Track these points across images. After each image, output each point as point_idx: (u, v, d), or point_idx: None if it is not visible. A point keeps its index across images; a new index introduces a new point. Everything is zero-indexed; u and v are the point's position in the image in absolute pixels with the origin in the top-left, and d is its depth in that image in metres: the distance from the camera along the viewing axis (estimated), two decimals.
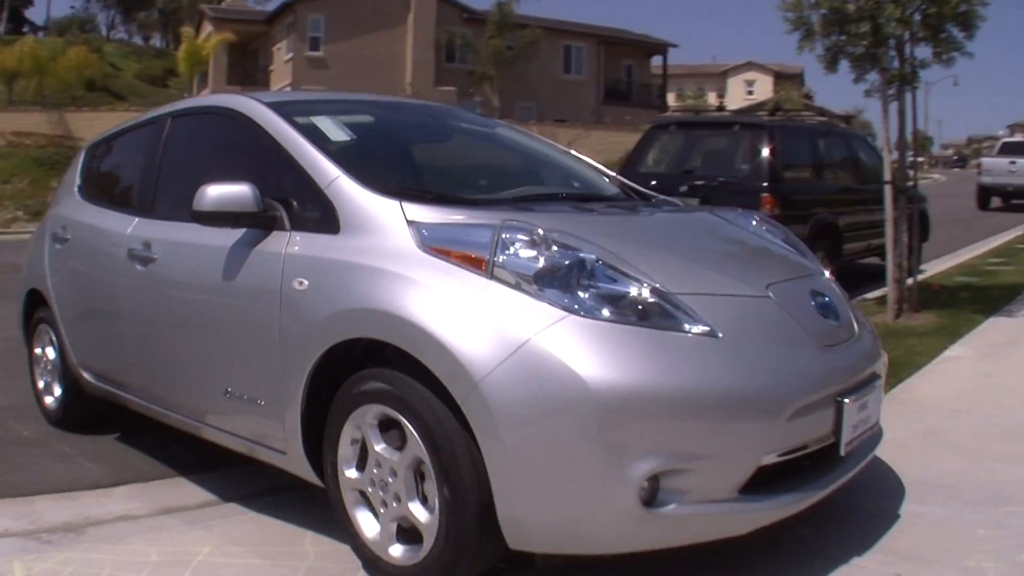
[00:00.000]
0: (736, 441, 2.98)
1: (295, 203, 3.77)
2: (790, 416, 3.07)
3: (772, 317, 3.36)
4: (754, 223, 4.40)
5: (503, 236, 3.15)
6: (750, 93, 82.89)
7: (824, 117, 12.44)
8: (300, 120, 4.16)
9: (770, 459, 3.07)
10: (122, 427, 5.64)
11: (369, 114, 5.08)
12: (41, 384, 6.00)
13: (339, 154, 3.92)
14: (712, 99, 71.81)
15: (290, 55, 47.20)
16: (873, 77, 8.77)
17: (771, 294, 3.42)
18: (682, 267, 3.43)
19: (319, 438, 3.51)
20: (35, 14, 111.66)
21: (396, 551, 3.25)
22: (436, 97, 43.44)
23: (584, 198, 4.45)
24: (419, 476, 3.17)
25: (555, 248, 3.15)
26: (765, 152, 9.97)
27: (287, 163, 3.90)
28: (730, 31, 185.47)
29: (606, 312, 3.00)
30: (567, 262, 3.11)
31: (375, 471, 3.29)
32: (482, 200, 3.97)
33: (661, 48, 57.38)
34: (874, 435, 3.77)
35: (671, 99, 64.09)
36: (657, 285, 3.13)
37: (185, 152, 4.93)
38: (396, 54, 47.16)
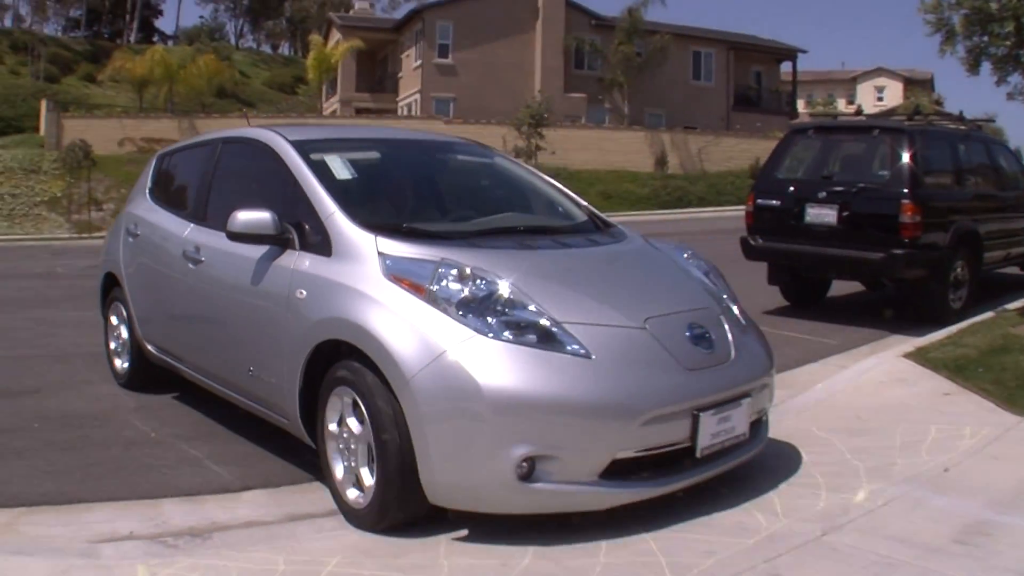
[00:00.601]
0: (594, 438, 4.03)
1: (305, 227, 4.99)
2: (644, 423, 4.08)
3: (642, 344, 4.32)
4: (685, 256, 5.50)
5: (439, 271, 4.34)
6: (880, 99, 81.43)
7: (963, 121, 12.23)
8: (314, 157, 5.38)
9: (626, 454, 4.10)
10: (176, 388, 6.98)
11: (377, 151, 6.25)
12: (113, 346, 7.58)
13: (339, 191, 5.11)
14: (842, 105, 70.75)
15: (419, 62, 47.99)
16: (1016, 79, 8.60)
17: (647, 326, 4.40)
18: (578, 301, 4.44)
19: (312, 409, 4.72)
20: (165, 24, 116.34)
21: (352, 494, 4.44)
22: (565, 104, 43.96)
23: (539, 230, 5.53)
24: (370, 449, 4.30)
25: (478, 282, 4.30)
26: (905, 157, 9.88)
27: (300, 194, 5.14)
28: (859, 36, 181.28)
29: (507, 334, 4.12)
30: (483, 295, 4.26)
31: (345, 436, 4.49)
32: (443, 233, 5.06)
33: (790, 54, 56.97)
34: (740, 444, 4.62)
35: (800, 106, 63.48)
36: (552, 316, 4.23)
37: (229, 172, 6.28)
38: (525, 61, 47.65)
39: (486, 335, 4.10)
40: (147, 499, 4.80)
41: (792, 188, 10.67)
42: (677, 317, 4.59)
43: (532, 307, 4.26)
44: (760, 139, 42.30)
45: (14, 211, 31.49)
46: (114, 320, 7.53)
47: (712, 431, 4.36)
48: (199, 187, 6.50)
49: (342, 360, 4.47)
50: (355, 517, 4.38)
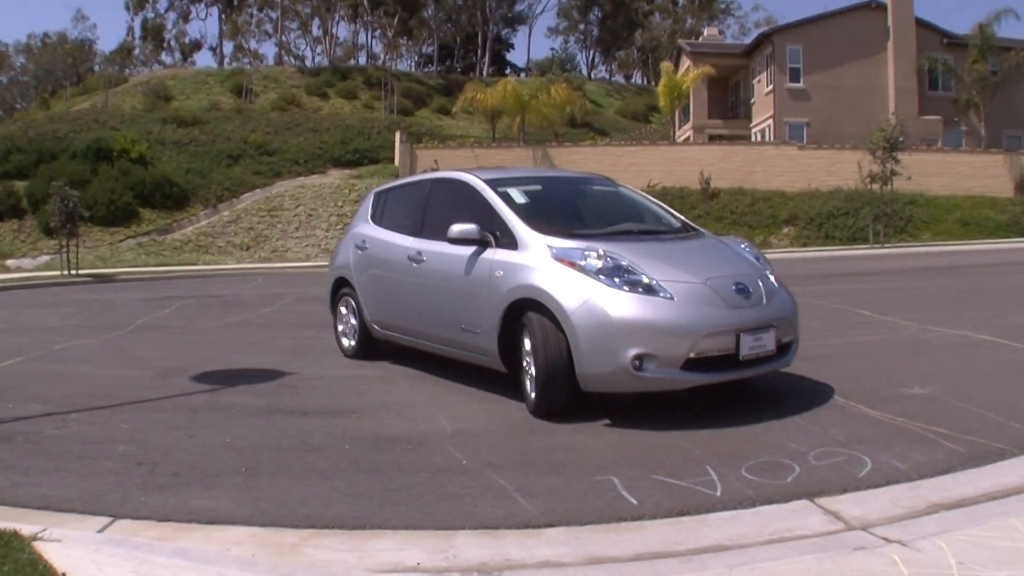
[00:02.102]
0: (675, 343, 6.62)
1: (497, 234, 7.83)
2: (704, 336, 6.68)
3: (703, 292, 6.91)
4: (742, 246, 8.17)
5: (585, 253, 7.07)
6: None
7: None
8: (500, 189, 8.35)
9: (693, 355, 6.65)
10: (388, 357, 10.13)
11: (540, 184, 9.22)
12: (341, 329, 10.74)
13: (520, 209, 8.01)
14: None
15: (770, 87, 47.51)
16: None
17: (707, 282, 7.00)
18: (666, 269, 7.05)
19: (506, 347, 7.57)
20: (516, 57, 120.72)
21: (530, 395, 7.19)
22: (920, 127, 42.07)
23: (647, 232, 8.40)
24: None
25: (607, 259, 6.98)
26: None
27: (493, 213, 8.03)
28: None
29: (625, 287, 6.81)
30: (611, 266, 6.94)
31: (527, 362, 7.23)
32: (585, 234, 7.75)
33: None
34: (770, 356, 7.11)
35: None
36: (651, 276, 6.89)
37: (438, 201, 9.28)
38: (877, 83, 46.40)
39: (613, 288, 6.85)
40: (442, 529, 4.62)
41: None
42: (726, 278, 7.18)
43: (639, 271, 6.96)
44: None
45: None
46: (343, 311, 10.64)
47: (749, 346, 6.92)
48: (415, 212, 9.52)
49: (525, 315, 7.29)
50: (530, 407, 7.22)
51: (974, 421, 6.35)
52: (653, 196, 33.87)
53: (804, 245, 35.38)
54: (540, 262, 7.27)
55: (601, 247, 7.13)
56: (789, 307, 7.49)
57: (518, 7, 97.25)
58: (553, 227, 7.70)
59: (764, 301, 7.17)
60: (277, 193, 44.73)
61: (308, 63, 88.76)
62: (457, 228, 7.89)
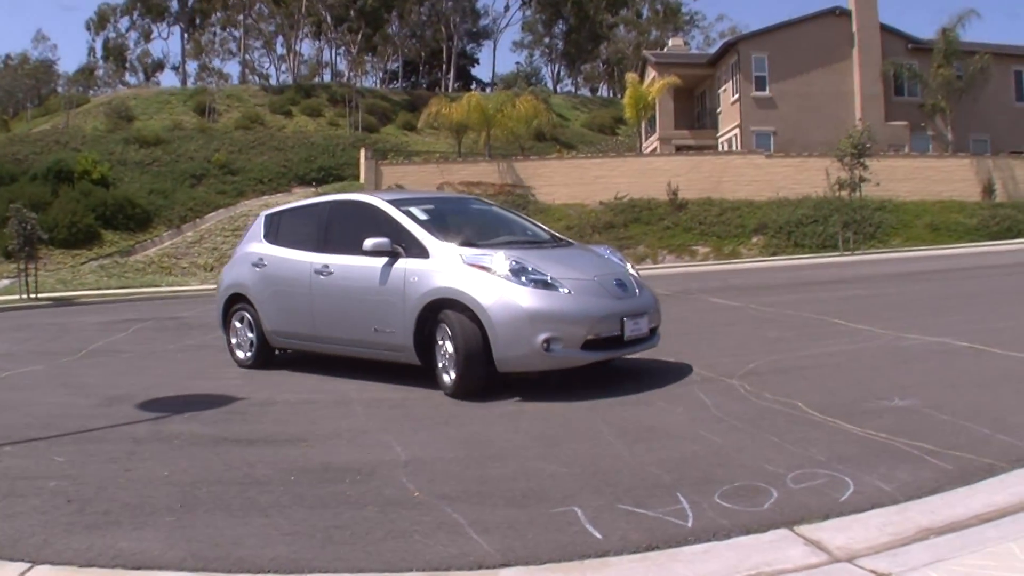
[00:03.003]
0: (576, 328, 8.19)
1: (407, 246, 9.10)
2: (597, 321, 8.30)
3: (593, 287, 8.56)
4: (607, 252, 9.97)
5: (494, 258, 8.46)
6: None
7: None
8: (403, 208, 9.72)
9: (591, 337, 8.27)
10: (279, 366, 11.05)
11: (432, 204, 10.53)
12: (236, 349, 11.41)
13: (424, 224, 9.34)
14: None
15: (736, 96, 47.43)
16: None
17: (595, 278, 8.67)
18: (560, 269, 8.60)
19: (421, 345, 8.87)
20: (481, 72, 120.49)
21: (447, 379, 8.52)
22: (887, 133, 42.27)
23: (529, 242, 9.83)
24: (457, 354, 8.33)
25: (513, 263, 8.39)
26: None
27: (402, 228, 9.32)
28: None
29: (532, 285, 8.27)
30: (517, 267, 8.35)
31: (444, 352, 8.57)
32: (483, 244, 9.15)
33: None
34: (646, 336, 8.91)
35: None
36: (550, 275, 8.39)
37: (341, 220, 10.33)
38: (843, 89, 46.48)
39: (522, 285, 8.30)
40: (388, 572, 4.20)
41: None
42: (608, 275, 8.93)
43: (541, 272, 8.45)
44: None
45: None
46: (238, 325, 11.34)
47: (631, 329, 8.62)
48: (316, 231, 10.55)
49: (441, 312, 8.63)
50: (449, 390, 8.54)
51: (960, 435, 5.98)
52: (621, 208, 33.74)
53: (774, 254, 35.15)
54: (453, 268, 8.67)
55: (505, 253, 8.67)
56: (654, 300, 9.33)
57: (482, 22, 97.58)
58: (455, 239, 9.16)
59: (637, 293, 9.06)
60: (241, 212, 44.29)
61: (273, 81, 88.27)
62: (371, 242, 9.14)
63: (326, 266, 9.91)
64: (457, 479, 5.63)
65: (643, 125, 52.66)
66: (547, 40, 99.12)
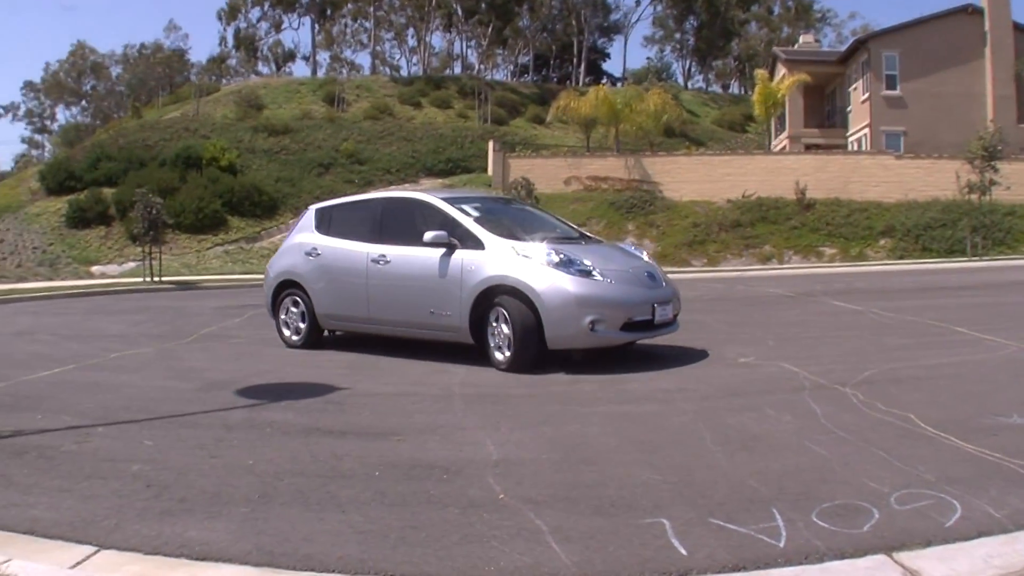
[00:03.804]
0: (617, 312, 9.60)
1: (462, 239, 10.34)
2: (633, 307, 9.73)
3: (630, 277, 10.00)
4: (633, 248, 11.58)
5: (545, 250, 9.85)
6: None
7: None
8: (457, 206, 10.89)
9: (628, 320, 9.68)
10: (328, 345, 12.30)
11: (478, 203, 11.62)
12: (286, 331, 12.45)
13: (478, 220, 10.61)
14: None
15: (866, 95, 46.34)
16: None
17: (630, 269, 10.16)
18: (598, 261, 9.97)
19: (474, 326, 10.12)
20: (612, 67, 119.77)
21: (500, 356, 9.87)
22: (1018, 135, 40.97)
23: (566, 238, 10.99)
24: (510, 337, 9.72)
25: (562, 255, 9.77)
26: None
27: (458, 224, 10.52)
28: None
29: (578, 275, 9.62)
30: (564, 259, 9.71)
31: (499, 334, 9.87)
32: (528, 238, 10.42)
33: None
34: (671, 321, 10.27)
35: None
36: (593, 265, 9.79)
37: (396, 216, 11.49)
38: (975, 90, 45.05)
39: (569, 274, 9.58)
40: None
41: None
42: (640, 267, 10.39)
43: (585, 262, 9.77)
44: None
45: None
46: (292, 309, 12.35)
47: (659, 314, 9.94)
48: (370, 225, 11.62)
49: (496, 297, 9.84)
50: (508, 367, 9.71)
51: None
52: (748, 207, 33.14)
53: (901, 257, 34.15)
54: (507, 258, 9.93)
55: (553, 246, 10.05)
56: (676, 291, 10.70)
57: (613, 16, 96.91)
58: (504, 233, 10.47)
59: (664, 284, 10.45)
60: None
61: (403, 73, 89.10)
62: (431, 234, 10.36)
63: (383, 255, 11.07)
64: (546, 482, 5.41)
65: (772, 123, 51.85)
66: (678, 35, 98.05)
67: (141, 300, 23.21)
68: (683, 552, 4.19)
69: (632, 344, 10.66)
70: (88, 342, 13.44)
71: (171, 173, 42.09)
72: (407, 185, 47.12)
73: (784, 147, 51.32)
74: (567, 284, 9.50)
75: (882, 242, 35.74)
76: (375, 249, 11.17)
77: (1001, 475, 5.22)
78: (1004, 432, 6.26)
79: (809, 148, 48.13)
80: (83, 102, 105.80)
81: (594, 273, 9.69)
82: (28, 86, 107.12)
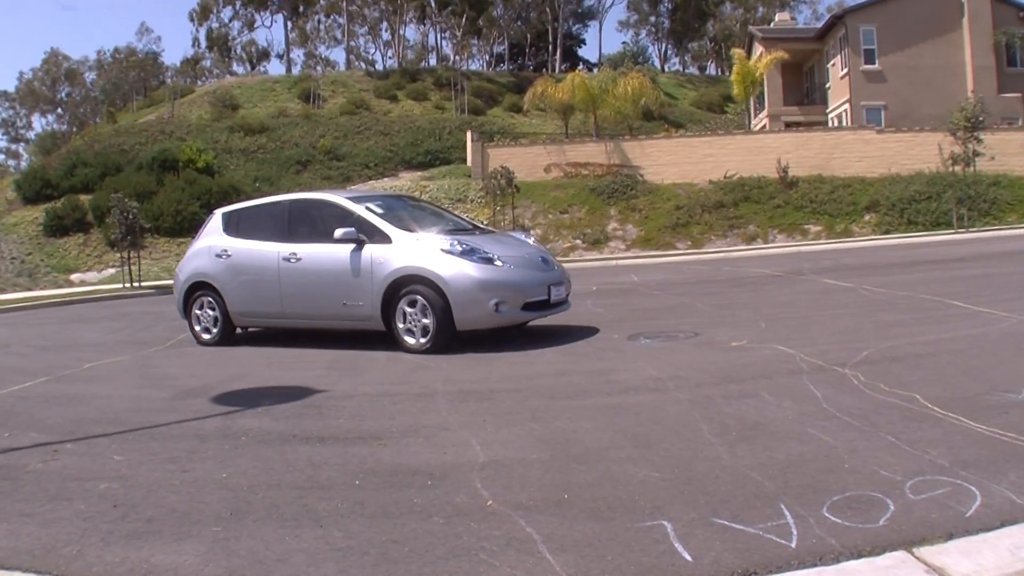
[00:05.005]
0: (517, 294, 10.68)
1: (370, 235, 11.16)
2: (531, 288, 10.87)
3: (526, 262, 11.12)
4: (523, 235, 13.11)
5: (449, 241, 10.84)
6: None
7: None
8: (362, 204, 11.70)
9: (528, 300, 10.81)
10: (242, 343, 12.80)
11: (380, 200, 12.34)
12: (198, 328, 12.94)
13: (383, 216, 11.46)
14: None
15: (845, 70, 46.11)
16: None
17: (525, 255, 11.26)
18: (498, 248, 11.08)
19: (385, 314, 10.98)
20: (588, 52, 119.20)
21: (412, 341, 10.76)
22: (999, 105, 40.83)
23: (462, 229, 12.01)
24: (425, 323, 10.70)
25: (464, 245, 10.76)
26: None
27: (364, 221, 11.32)
28: None
29: (481, 262, 10.65)
30: (467, 248, 10.73)
31: (410, 320, 10.79)
32: (430, 231, 11.36)
33: None
34: (564, 300, 11.56)
35: None
36: (493, 253, 10.87)
37: (304, 216, 12.08)
38: (954, 62, 44.74)
39: (473, 262, 10.56)
40: None
41: None
42: (534, 253, 11.50)
43: (484, 250, 10.77)
44: None
45: None
46: (208, 310, 12.80)
47: (554, 294, 11.11)
48: (280, 224, 12.19)
49: (406, 286, 10.70)
50: (419, 350, 10.58)
51: None
52: (730, 187, 32.87)
53: (887, 232, 33.85)
54: (413, 250, 10.82)
55: (455, 237, 11.00)
56: (566, 273, 11.97)
57: (587, 2, 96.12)
58: (408, 227, 11.38)
59: (556, 267, 11.62)
60: None
61: (379, 67, 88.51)
62: (341, 231, 11.13)
63: (294, 254, 11.73)
64: (536, 485, 5.10)
65: (751, 102, 51.50)
66: (652, 19, 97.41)
67: (119, 307, 22.78)
68: (687, 558, 3.89)
69: (527, 323, 11.79)
70: (63, 352, 13.07)
71: (148, 177, 41.48)
72: (386, 180, 46.73)
73: (764, 126, 51.02)
74: (472, 271, 10.50)
75: (867, 217, 35.46)
76: (285, 248, 11.84)
77: (1018, 457, 4.96)
78: (1014, 409, 6.00)
79: (789, 126, 47.77)
80: (59, 109, 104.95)
81: (495, 260, 10.73)
82: (3, 95, 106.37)
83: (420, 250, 10.79)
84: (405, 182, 44.27)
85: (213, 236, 12.96)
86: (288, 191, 43.47)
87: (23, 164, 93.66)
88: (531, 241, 12.35)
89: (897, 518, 4.16)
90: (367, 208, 11.58)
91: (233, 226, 12.84)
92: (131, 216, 29.32)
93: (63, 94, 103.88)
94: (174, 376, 10.11)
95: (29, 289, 33.08)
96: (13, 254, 37.97)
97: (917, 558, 3.69)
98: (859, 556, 3.76)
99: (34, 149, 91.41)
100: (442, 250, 10.67)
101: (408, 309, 10.75)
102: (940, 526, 4.03)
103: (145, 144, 50.81)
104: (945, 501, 4.34)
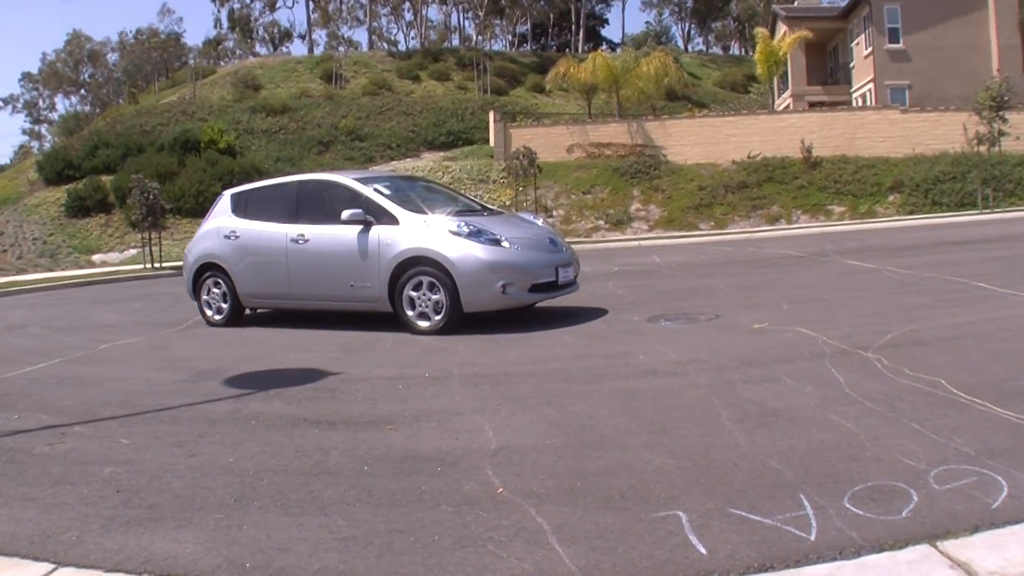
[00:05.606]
0: (524, 275, 10.61)
1: (378, 216, 11.08)
2: (539, 270, 10.76)
3: (533, 243, 11.03)
4: (531, 216, 12.97)
5: (456, 222, 10.77)
6: None
7: None
8: (370, 186, 11.66)
9: (536, 282, 10.72)
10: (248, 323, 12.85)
11: (388, 182, 12.36)
12: (208, 311, 13.03)
13: (391, 197, 11.42)
14: None
15: (869, 49, 45.51)
16: None
17: (533, 236, 11.23)
18: (505, 229, 10.99)
19: (392, 295, 10.89)
20: (611, 32, 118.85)
21: (423, 323, 10.70)
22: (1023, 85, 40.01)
23: (471, 210, 11.94)
24: (437, 303, 10.64)
25: (472, 227, 10.71)
26: None
27: (372, 202, 11.27)
28: None
29: (488, 243, 10.57)
30: (475, 230, 10.68)
31: (419, 301, 10.72)
32: (438, 213, 11.22)
33: None
34: (572, 282, 11.46)
35: None
36: (500, 234, 10.77)
37: (312, 197, 12.10)
38: (979, 41, 44.09)
39: (480, 243, 10.49)
40: None
41: None
42: (542, 234, 11.44)
43: (492, 232, 10.69)
44: None
45: None
46: (215, 290, 12.90)
47: (562, 276, 11.04)
48: (288, 206, 12.16)
49: (413, 267, 10.64)
50: (426, 332, 10.54)
51: None
52: (754, 167, 32.58)
53: (911, 213, 33.47)
54: (421, 232, 10.74)
55: (463, 218, 10.92)
56: (575, 254, 11.82)
57: None
58: (415, 209, 11.26)
59: (564, 248, 11.54)
60: None
61: (401, 47, 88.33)
62: (348, 212, 11.07)
63: (302, 235, 11.68)
64: (549, 472, 4.96)
65: (775, 82, 51.03)
66: None
67: (140, 287, 22.77)
68: (702, 551, 3.74)
69: (535, 304, 11.73)
70: (79, 333, 13.03)
71: (169, 158, 41.50)
72: (408, 160, 46.55)
73: (788, 106, 50.59)
74: (479, 252, 10.43)
75: (891, 198, 35.09)
76: (293, 229, 11.79)
77: None
78: None
79: (813, 106, 47.41)
80: (82, 91, 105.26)
81: (502, 241, 10.65)
82: (27, 77, 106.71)
83: (427, 231, 10.70)
84: (427, 163, 44.07)
85: (222, 217, 12.97)
86: (310, 172, 43.87)
87: (46, 145, 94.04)
88: (539, 222, 12.21)
89: (920, 509, 3.99)
90: (375, 189, 11.50)
91: (242, 207, 12.82)
92: (152, 197, 29.23)
93: (86, 75, 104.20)
94: (188, 358, 10.02)
95: (50, 270, 33.10)
96: (35, 235, 38.08)
97: (941, 552, 3.52)
98: (880, 550, 3.59)
99: (57, 130, 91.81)
100: (449, 231, 10.60)
101: (413, 293, 10.70)
102: (965, 518, 3.86)
103: (167, 125, 50.82)
104: (970, 492, 4.17)
